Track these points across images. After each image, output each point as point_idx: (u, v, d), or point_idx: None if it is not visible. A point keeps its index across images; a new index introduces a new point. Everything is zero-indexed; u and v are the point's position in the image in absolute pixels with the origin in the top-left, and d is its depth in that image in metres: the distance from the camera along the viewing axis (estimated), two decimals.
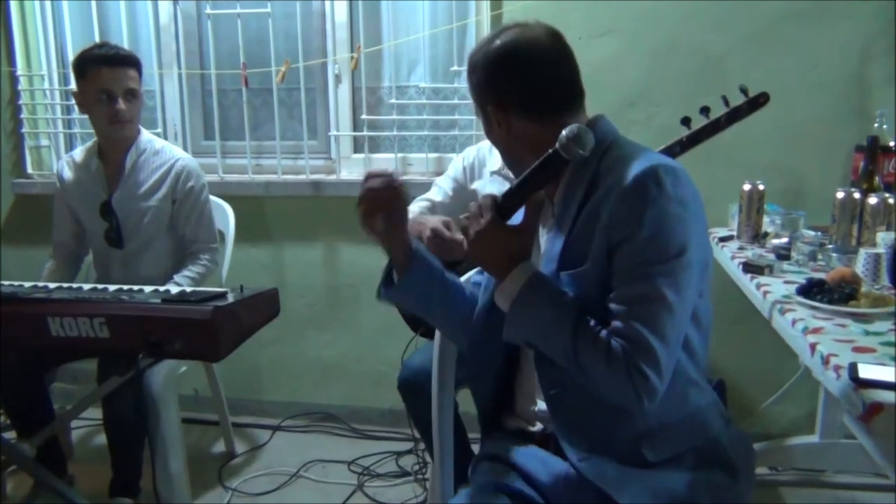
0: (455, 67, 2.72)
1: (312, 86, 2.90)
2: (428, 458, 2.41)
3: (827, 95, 2.45)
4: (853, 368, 1.21)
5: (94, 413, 2.28)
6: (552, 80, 1.29)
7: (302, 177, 2.88)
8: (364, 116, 2.86)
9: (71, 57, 2.74)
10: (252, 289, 1.74)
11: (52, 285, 1.89)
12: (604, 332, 1.15)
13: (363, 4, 2.75)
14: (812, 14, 2.42)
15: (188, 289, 1.87)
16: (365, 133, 2.88)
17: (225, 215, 2.61)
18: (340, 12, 2.82)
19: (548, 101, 1.28)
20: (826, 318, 1.50)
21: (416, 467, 2.59)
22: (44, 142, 3.11)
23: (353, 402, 2.96)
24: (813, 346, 1.37)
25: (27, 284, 1.88)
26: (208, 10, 2.82)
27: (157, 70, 2.95)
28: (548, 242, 1.30)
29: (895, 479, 2.13)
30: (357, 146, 2.96)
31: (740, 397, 2.58)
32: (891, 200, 1.99)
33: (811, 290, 1.61)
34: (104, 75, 2.19)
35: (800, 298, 1.59)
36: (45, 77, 3.02)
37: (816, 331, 1.43)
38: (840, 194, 2.02)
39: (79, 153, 2.42)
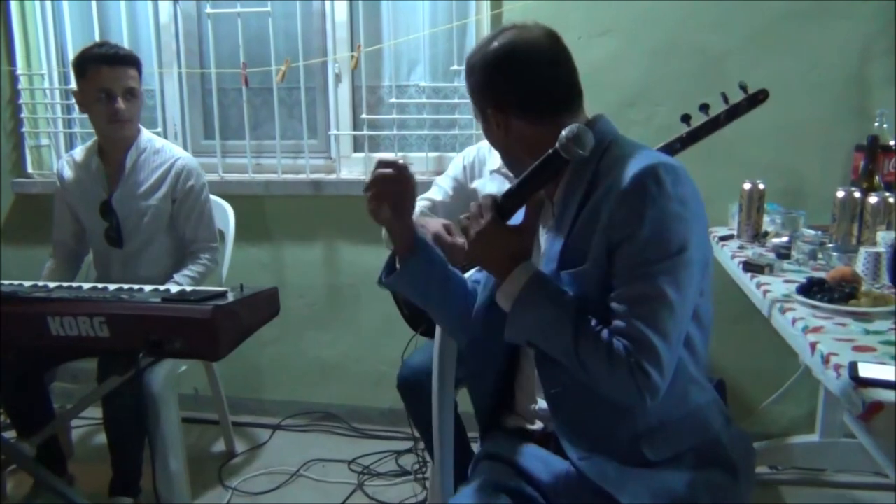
0: (455, 67, 2.71)
1: (312, 85, 2.90)
2: (428, 458, 2.40)
3: (827, 95, 2.45)
4: (853, 367, 1.21)
5: (94, 412, 2.28)
6: (550, 81, 1.29)
7: (302, 176, 2.88)
8: (364, 116, 2.86)
9: (71, 56, 2.74)
10: (252, 288, 1.74)
11: (52, 285, 1.89)
12: (605, 332, 1.15)
13: (363, 4, 2.74)
14: (812, 14, 2.41)
15: (188, 288, 1.87)
16: (365, 132, 2.88)
17: (225, 214, 2.60)
18: (340, 11, 2.82)
19: (546, 102, 1.28)
20: (826, 317, 1.51)
21: (416, 466, 2.59)
22: (44, 141, 3.11)
23: (353, 402, 2.96)
24: (813, 346, 1.37)
25: (27, 284, 1.88)
26: (208, 10, 2.82)
27: (157, 69, 2.94)
28: (548, 242, 1.30)
29: (895, 478, 2.14)
30: (357, 145, 2.96)
31: (740, 396, 2.59)
32: (891, 199, 1.99)
33: (811, 289, 1.61)
34: (104, 74, 2.19)
35: (800, 297, 1.59)
36: (45, 76, 3.02)
37: (816, 330, 1.43)
38: (840, 193, 2.03)
39: (79, 152, 2.42)
